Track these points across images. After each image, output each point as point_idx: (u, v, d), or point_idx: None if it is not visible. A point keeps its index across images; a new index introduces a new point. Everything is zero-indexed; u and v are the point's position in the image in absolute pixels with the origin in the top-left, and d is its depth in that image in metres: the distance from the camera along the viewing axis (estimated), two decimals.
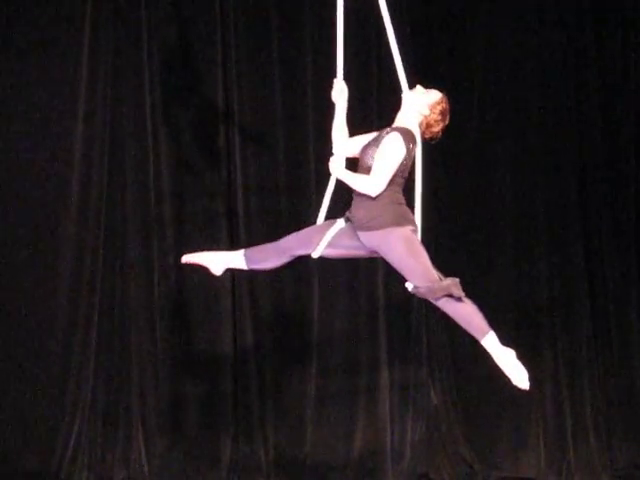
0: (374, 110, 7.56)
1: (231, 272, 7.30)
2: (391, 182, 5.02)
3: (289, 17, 7.53)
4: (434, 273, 4.98)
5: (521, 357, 7.68)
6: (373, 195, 5.00)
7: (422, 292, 5.02)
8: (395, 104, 5.18)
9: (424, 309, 7.74)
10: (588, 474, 7.73)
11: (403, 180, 5.06)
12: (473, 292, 7.65)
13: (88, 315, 7.16)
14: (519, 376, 5.17)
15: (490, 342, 5.15)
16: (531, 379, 7.68)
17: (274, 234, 7.31)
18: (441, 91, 5.14)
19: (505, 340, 7.68)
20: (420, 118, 5.09)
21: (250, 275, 7.38)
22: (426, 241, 5.12)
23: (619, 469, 7.79)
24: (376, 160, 4.98)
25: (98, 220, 7.23)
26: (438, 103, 5.10)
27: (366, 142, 5.09)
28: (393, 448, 7.57)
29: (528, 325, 7.84)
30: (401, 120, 5.11)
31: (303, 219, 7.34)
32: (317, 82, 7.39)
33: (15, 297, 7.09)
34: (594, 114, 7.98)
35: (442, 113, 5.12)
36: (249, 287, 7.43)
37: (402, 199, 5.06)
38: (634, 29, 8.03)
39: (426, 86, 5.16)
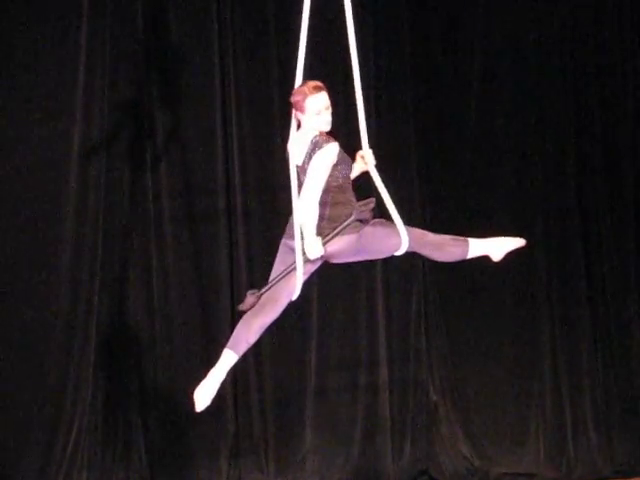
0: None
1: (229, 270, 7.38)
2: None
3: (286, 14, 7.52)
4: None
5: (521, 352, 7.78)
6: None
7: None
8: None
9: (423, 305, 7.74)
10: (588, 469, 7.75)
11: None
12: (470, 285, 7.74)
13: (87, 312, 7.13)
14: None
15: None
16: (531, 375, 7.78)
17: (272, 232, 7.41)
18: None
19: (505, 336, 7.79)
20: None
21: (249, 272, 7.39)
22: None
23: (619, 464, 7.81)
24: None
25: (96, 218, 7.21)
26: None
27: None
28: (393, 445, 7.58)
29: (527, 321, 7.85)
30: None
31: None
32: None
33: (13, 296, 7.07)
34: (593, 115, 8.01)
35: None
36: (248, 281, 7.42)
37: None
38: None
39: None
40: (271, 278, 4.97)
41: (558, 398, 7.81)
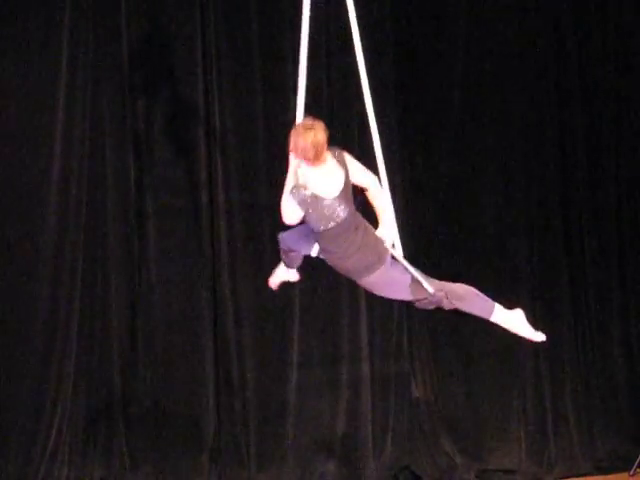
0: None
1: (212, 266, 7.38)
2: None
3: (269, 13, 7.52)
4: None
5: (503, 349, 7.79)
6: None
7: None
8: None
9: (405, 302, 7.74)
10: (569, 465, 7.77)
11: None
12: (452, 281, 7.73)
13: (69, 311, 7.13)
14: (533, 334, 5.29)
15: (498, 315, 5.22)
16: (512, 371, 7.80)
17: (255, 229, 7.43)
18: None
19: (487, 334, 7.80)
20: None
21: (231, 267, 7.40)
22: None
23: (600, 460, 7.83)
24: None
25: (78, 214, 7.20)
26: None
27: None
28: (375, 441, 7.58)
29: None
30: None
31: None
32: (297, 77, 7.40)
33: None
34: (575, 111, 8.03)
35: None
36: (230, 279, 7.42)
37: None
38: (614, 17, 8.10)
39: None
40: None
41: (539, 395, 7.83)
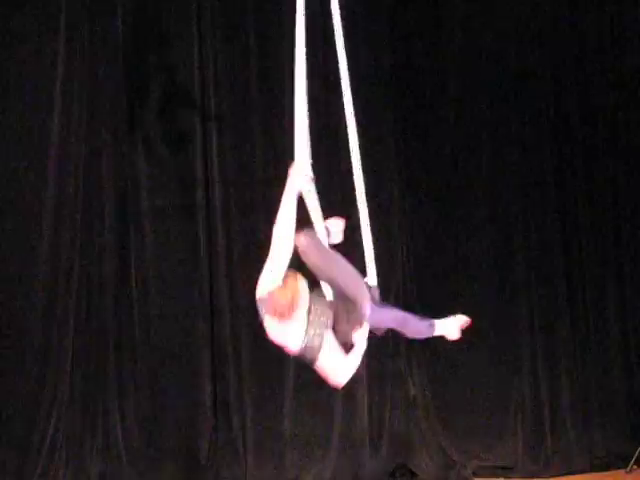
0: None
1: (208, 264, 7.38)
2: None
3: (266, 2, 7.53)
4: None
5: (500, 347, 7.80)
6: None
7: None
8: None
9: (402, 299, 7.75)
10: (566, 462, 7.77)
11: None
12: (451, 286, 7.76)
13: (65, 309, 7.14)
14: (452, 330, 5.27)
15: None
16: (509, 369, 7.80)
17: (250, 227, 7.43)
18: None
19: (484, 330, 7.83)
20: None
21: (228, 266, 7.40)
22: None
23: (596, 457, 7.84)
24: None
25: (74, 212, 7.21)
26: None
27: None
28: (371, 439, 7.59)
29: (507, 317, 7.87)
30: None
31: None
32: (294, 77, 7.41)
33: None
34: (571, 114, 8.04)
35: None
36: (227, 275, 7.42)
37: None
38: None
39: None
40: None
41: (536, 392, 7.84)
